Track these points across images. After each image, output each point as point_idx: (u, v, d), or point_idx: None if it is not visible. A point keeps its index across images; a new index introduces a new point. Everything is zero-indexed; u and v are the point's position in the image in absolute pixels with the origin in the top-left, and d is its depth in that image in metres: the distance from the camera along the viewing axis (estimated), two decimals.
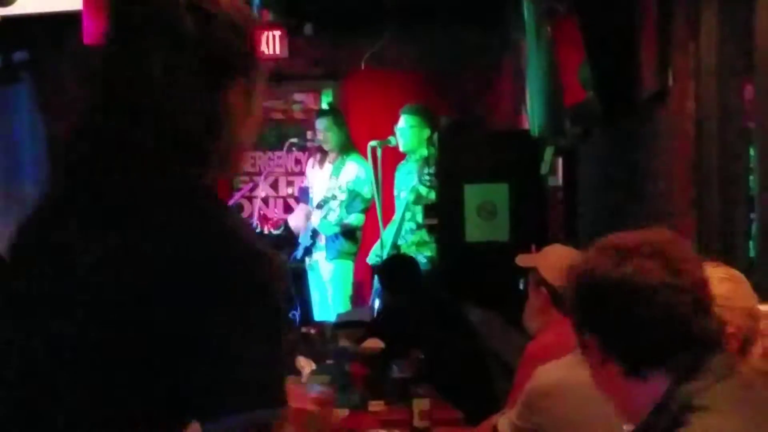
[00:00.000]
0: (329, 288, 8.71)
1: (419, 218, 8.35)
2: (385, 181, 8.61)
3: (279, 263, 1.79)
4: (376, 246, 8.61)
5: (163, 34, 1.81)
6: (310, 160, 9.21)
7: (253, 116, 1.94)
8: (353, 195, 8.65)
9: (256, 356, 1.70)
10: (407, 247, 8.37)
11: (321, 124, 8.96)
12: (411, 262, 6.99)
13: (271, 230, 9.20)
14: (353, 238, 8.73)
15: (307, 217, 8.86)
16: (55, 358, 1.76)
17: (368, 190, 8.58)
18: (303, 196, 9.18)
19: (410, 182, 8.44)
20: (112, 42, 1.85)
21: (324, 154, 8.99)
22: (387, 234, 8.50)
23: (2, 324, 1.84)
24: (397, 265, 6.89)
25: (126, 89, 1.81)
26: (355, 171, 8.71)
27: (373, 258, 8.62)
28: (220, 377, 1.68)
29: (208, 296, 1.69)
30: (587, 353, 2.19)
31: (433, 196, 8.01)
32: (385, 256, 8.24)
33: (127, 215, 1.76)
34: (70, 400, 1.75)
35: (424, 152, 8.30)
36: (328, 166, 8.89)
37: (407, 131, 8.47)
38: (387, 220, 8.55)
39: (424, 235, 8.33)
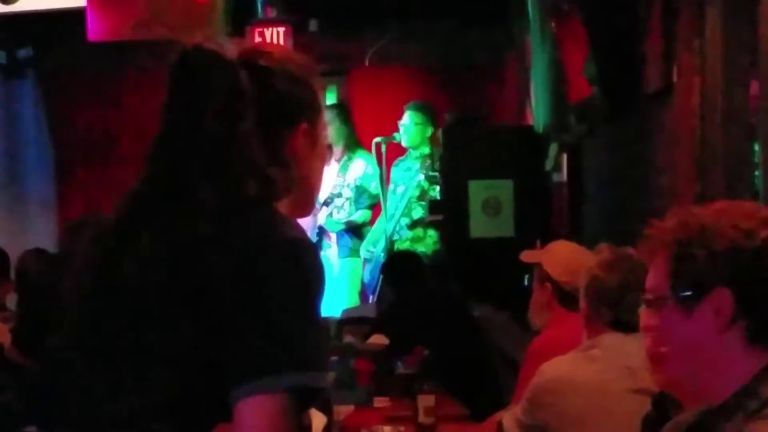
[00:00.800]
0: (338, 285, 8.72)
1: (415, 215, 8.36)
2: (389, 178, 8.62)
3: (321, 257, 1.97)
4: (367, 241, 8.63)
5: (220, 91, 1.97)
6: None
7: (320, 155, 2.12)
8: (360, 191, 8.68)
9: (298, 327, 1.87)
10: (401, 243, 8.37)
11: (328, 117, 8.95)
12: (414, 257, 7.00)
13: None
14: (360, 234, 8.75)
15: (314, 213, 8.87)
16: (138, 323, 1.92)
17: (375, 186, 8.59)
18: None
19: (408, 178, 8.44)
20: (174, 99, 2.01)
21: (329, 151, 8.99)
22: (378, 229, 8.52)
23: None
24: (401, 261, 6.89)
25: (190, 143, 1.97)
26: (362, 167, 8.72)
27: (366, 252, 8.63)
28: (262, 343, 1.84)
29: (265, 276, 1.87)
30: (703, 311, 2.07)
31: (435, 191, 8.02)
32: (380, 252, 8.26)
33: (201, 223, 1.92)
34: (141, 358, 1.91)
35: (427, 149, 8.31)
36: (334, 164, 8.90)
37: (411, 128, 8.47)
38: None
39: (419, 231, 8.34)
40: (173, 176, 1.97)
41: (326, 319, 6.93)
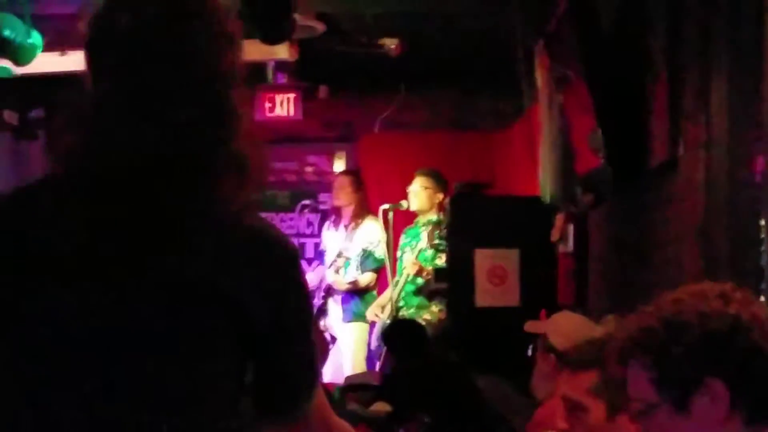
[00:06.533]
0: (345, 350, 8.70)
1: (419, 281, 8.34)
2: (396, 244, 8.63)
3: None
4: (375, 305, 8.61)
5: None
6: (326, 223, 9.25)
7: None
8: (366, 254, 8.70)
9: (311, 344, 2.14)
10: (407, 310, 8.36)
11: (340, 182, 9.01)
12: (417, 326, 6.99)
13: None
14: (365, 299, 8.75)
15: (322, 278, 8.91)
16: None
17: (381, 250, 8.60)
18: (320, 258, 9.22)
19: (416, 247, 8.42)
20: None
21: (338, 216, 9.03)
22: (387, 295, 8.50)
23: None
24: (403, 330, 6.89)
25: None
26: (369, 233, 8.75)
27: (373, 315, 8.61)
28: (299, 368, 2.12)
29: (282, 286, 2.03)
30: (699, 405, 2.02)
31: (439, 262, 8.03)
32: (386, 318, 8.25)
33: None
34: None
35: (434, 217, 8.33)
36: (342, 229, 8.93)
37: (421, 193, 8.49)
38: None
39: (423, 299, 8.33)
40: None
41: (330, 387, 6.90)
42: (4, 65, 6.97)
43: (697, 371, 2.02)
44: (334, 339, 8.69)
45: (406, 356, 6.37)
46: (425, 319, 8.17)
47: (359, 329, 8.73)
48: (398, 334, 6.74)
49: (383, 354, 7.19)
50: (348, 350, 8.68)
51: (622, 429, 2.94)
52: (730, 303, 2.04)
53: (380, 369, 7.57)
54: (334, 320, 8.78)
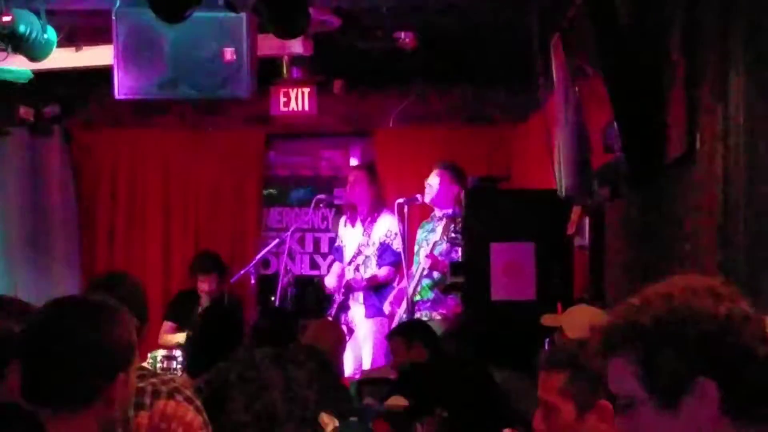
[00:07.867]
0: (365, 345, 8.71)
1: (436, 275, 8.34)
2: (411, 238, 8.64)
3: None
4: (392, 298, 8.63)
5: None
6: (342, 219, 9.24)
7: None
8: (383, 248, 8.72)
9: None
10: (423, 304, 8.38)
11: (355, 177, 9.03)
12: (424, 324, 7.03)
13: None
14: (386, 294, 8.76)
15: (341, 274, 8.93)
16: None
17: (398, 243, 8.61)
18: (336, 255, 9.22)
19: (431, 241, 8.42)
20: None
21: (353, 211, 9.03)
22: (402, 290, 8.52)
23: None
24: (417, 326, 6.90)
25: None
26: (386, 226, 8.77)
27: (388, 306, 8.64)
28: None
29: None
30: (689, 404, 1.99)
31: (455, 256, 8.03)
32: (402, 313, 8.27)
33: None
34: None
35: (450, 211, 8.33)
36: (359, 224, 8.94)
37: (438, 186, 8.49)
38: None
39: (439, 293, 8.33)
40: None
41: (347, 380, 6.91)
42: (22, 68, 7.00)
43: (689, 371, 1.99)
44: (351, 331, 8.69)
45: (425, 350, 6.38)
46: (441, 313, 8.17)
47: (379, 324, 8.74)
48: (413, 330, 6.75)
49: (391, 349, 7.19)
50: (368, 345, 8.70)
51: (591, 428, 2.98)
52: (721, 302, 2.02)
53: (392, 365, 7.59)
54: (356, 315, 8.80)
